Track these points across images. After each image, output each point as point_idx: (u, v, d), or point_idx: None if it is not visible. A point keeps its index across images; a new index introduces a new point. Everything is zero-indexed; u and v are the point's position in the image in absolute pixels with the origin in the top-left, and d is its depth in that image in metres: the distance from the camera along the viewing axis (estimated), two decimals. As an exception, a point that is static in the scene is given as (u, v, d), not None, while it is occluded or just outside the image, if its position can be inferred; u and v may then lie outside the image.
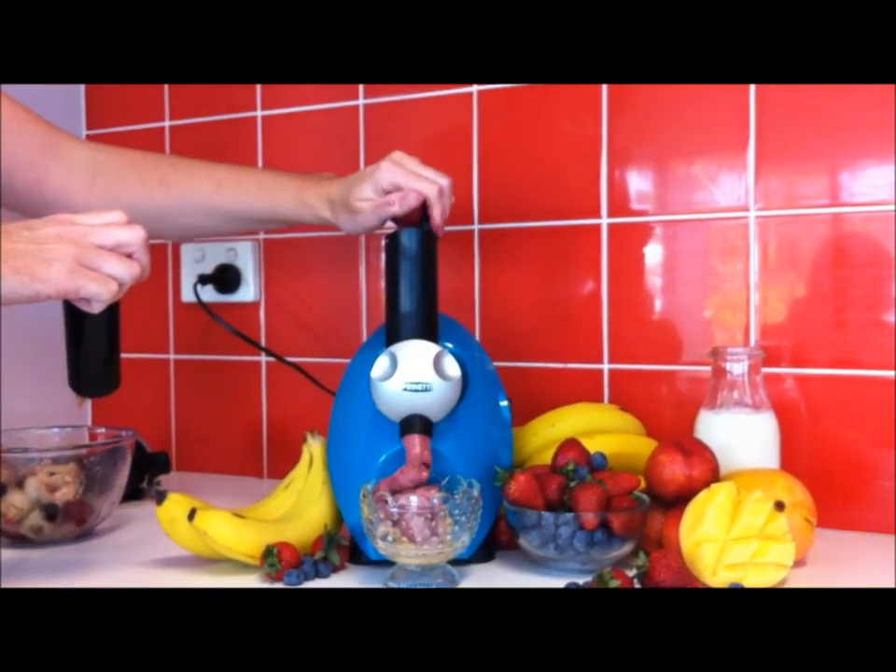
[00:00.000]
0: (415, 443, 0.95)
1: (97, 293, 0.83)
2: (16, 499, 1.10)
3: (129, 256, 0.86)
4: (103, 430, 1.26)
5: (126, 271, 0.84)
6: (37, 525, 1.11)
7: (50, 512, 1.11)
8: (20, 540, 1.11)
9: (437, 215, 1.02)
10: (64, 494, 1.11)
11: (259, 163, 1.46)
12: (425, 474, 0.93)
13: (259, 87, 1.45)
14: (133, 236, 0.86)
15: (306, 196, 1.10)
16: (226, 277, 1.47)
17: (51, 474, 1.11)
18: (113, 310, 0.87)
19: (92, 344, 0.91)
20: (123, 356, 1.57)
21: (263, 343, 1.46)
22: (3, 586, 0.92)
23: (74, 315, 0.89)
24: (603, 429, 1.13)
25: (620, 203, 1.23)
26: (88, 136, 1.60)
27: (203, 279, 1.46)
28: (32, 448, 1.16)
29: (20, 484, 1.10)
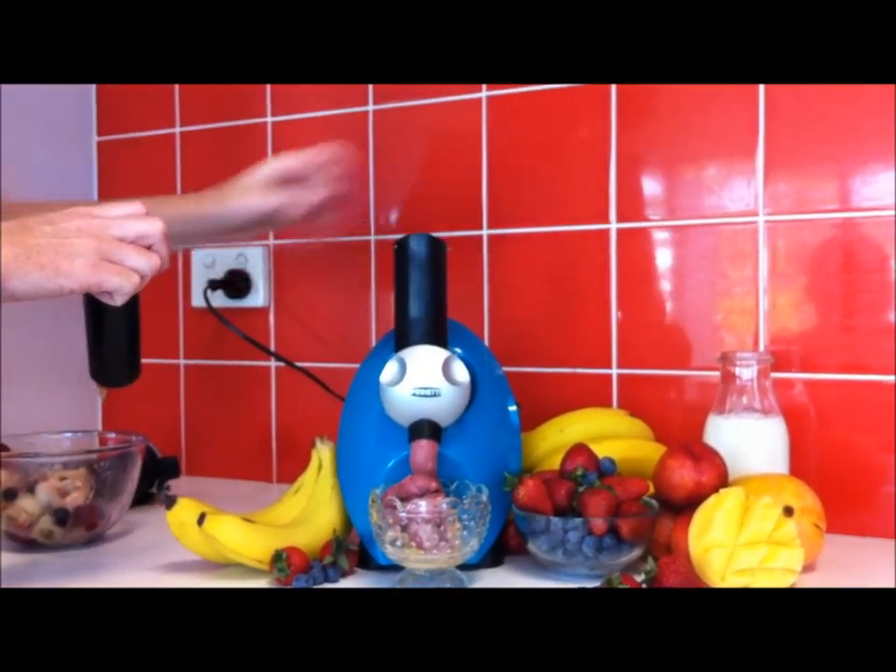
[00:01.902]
0: (423, 450, 0.95)
1: (120, 286, 0.84)
2: (27, 504, 1.10)
3: (148, 247, 0.87)
4: (113, 435, 1.26)
5: (147, 263, 0.85)
6: (48, 530, 1.11)
7: (61, 517, 1.11)
8: (30, 545, 1.12)
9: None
10: (75, 498, 1.12)
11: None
12: (434, 483, 0.93)
13: (268, 93, 1.46)
14: (152, 228, 0.87)
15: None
16: (236, 282, 1.47)
17: (62, 479, 1.12)
18: (133, 301, 0.88)
19: (114, 335, 0.91)
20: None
21: (273, 348, 1.46)
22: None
23: (95, 307, 0.90)
24: (612, 434, 1.13)
25: (629, 209, 1.23)
26: (99, 143, 1.60)
27: (213, 284, 1.46)
28: (42, 453, 1.17)
29: (30, 489, 1.11)
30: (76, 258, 0.82)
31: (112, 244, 0.84)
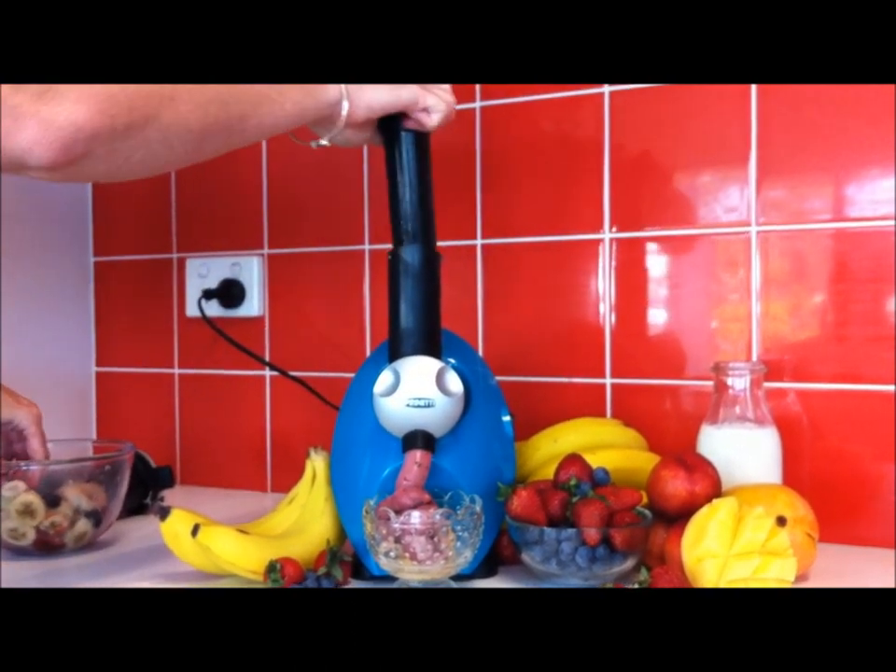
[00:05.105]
0: (416, 461, 0.95)
1: (436, 104, 1.02)
2: (65, 508, 1.12)
3: None
4: (99, 443, 1.29)
5: (451, 98, 1.04)
6: (83, 532, 1.13)
7: (97, 518, 1.14)
8: (31, 551, 1.12)
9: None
10: (100, 500, 1.14)
11: (264, 174, 1.47)
12: (427, 495, 0.93)
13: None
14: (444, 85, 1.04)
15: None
16: (230, 292, 1.47)
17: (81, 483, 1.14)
18: (424, 154, 1.04)
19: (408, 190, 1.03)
20: (128, 370, 1.58)
21: (267, 357, 1.46)
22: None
23: (389, 153, 1.03)
24: (605, 444, 1.13)
25: (622, 218, 1.24)
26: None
27: (208, 294, 1.46)
28: (62, 460, 1.18)
29: (55, 497, 1.12)
30: (406, 83, 1.00)
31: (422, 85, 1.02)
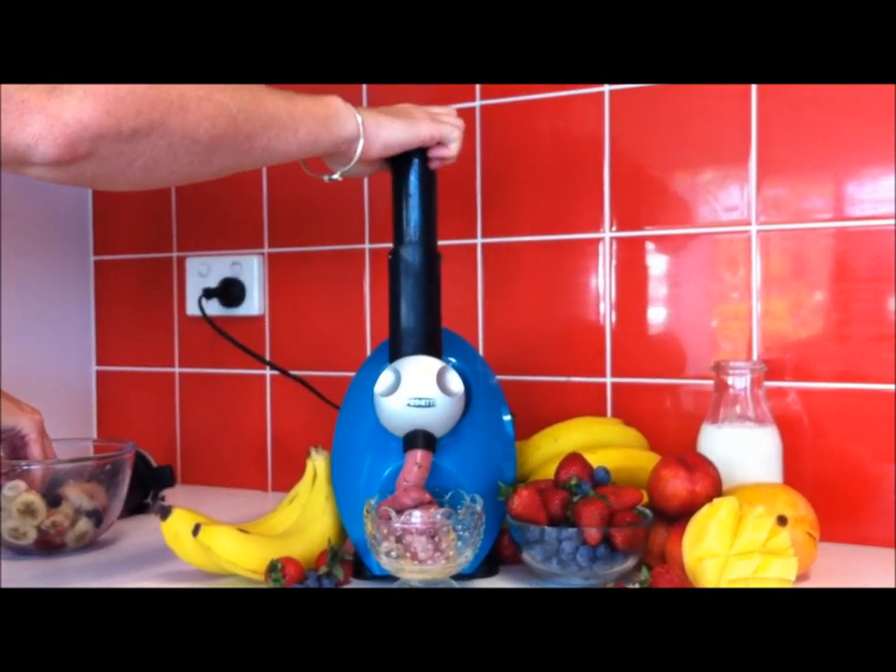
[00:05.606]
0: (416, 462, 0.95)
1: (450, 133, 1.02)
2: (66, 508, 1.13)
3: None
4: (100, 442, 1.29)
5: (460, 123, 1.04)
6: (84, 531, 1.14)
7: (98, 518, 1.14)
8: (32, 551, 1.13)
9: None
10: (101, 500, 1.15)
11: (265, 173, 1.47)
12: (427, 495, 0.93)
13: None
14: (450, 109, 1.06)
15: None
16: (231, 291, 1.47)
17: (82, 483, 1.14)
18: (431, 184, 1.04)
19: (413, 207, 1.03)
20: (129, 369, 1.58)
21: (268, 356, 1.46)
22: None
23: (398, 182, 1.03)
24: (606, 444, 1.13)
25: (622, 217, 1.24)
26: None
27: (208, 293, 1.46)
28: (64, 459, 1.18)
29: (56, 496, 1.12)
30: (420, 117, 1.01)
31: (431, 112, 1.03)
